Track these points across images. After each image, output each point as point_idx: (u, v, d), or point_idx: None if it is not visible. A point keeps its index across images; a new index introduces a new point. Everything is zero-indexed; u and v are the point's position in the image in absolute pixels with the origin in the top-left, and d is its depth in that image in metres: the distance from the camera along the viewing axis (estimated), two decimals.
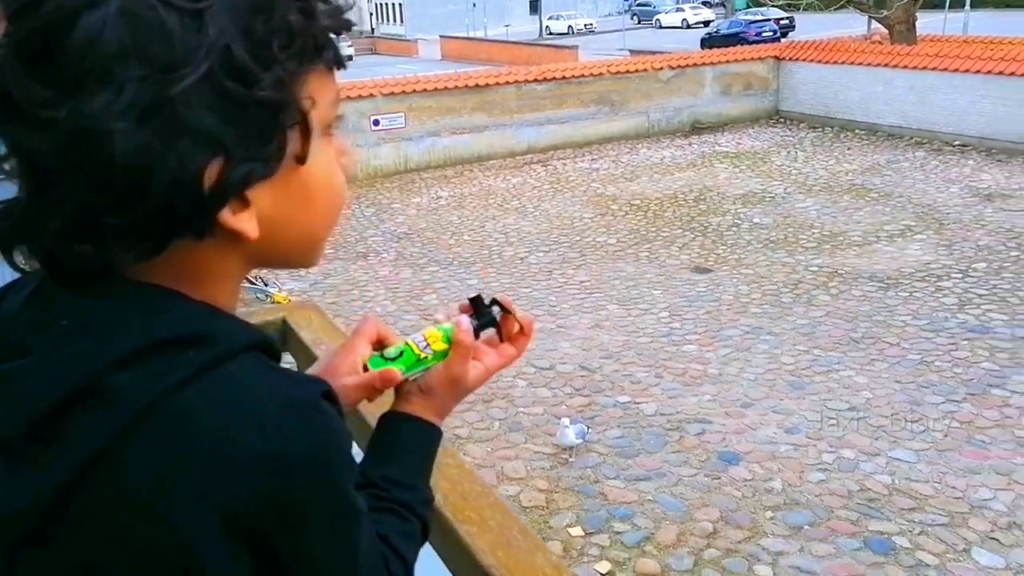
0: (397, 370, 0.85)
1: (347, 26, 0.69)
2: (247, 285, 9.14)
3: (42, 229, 0.62)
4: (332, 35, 0.68)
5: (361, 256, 11.71)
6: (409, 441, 0.87)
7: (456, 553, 0.81)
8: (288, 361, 1.57)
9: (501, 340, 0.93)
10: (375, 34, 61.17)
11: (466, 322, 0.88)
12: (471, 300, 0.91)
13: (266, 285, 9.67)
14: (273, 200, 0.66)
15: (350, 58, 44.68)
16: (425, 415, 0.87)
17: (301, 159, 0.67)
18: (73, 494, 0.61)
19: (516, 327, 0.93)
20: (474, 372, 0.89)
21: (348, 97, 15.49)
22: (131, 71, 0.57)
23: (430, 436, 0.88)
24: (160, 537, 0.61)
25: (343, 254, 11.78)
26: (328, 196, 0.72)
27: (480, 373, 0.90)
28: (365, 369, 0.87)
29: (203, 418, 0.61)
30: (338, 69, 0.69)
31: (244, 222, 0.65)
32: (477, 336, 0.90)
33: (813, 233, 11.83)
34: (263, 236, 0.66)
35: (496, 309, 0.91)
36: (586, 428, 6.60)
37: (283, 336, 1.52)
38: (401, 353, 0.87)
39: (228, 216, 0.64)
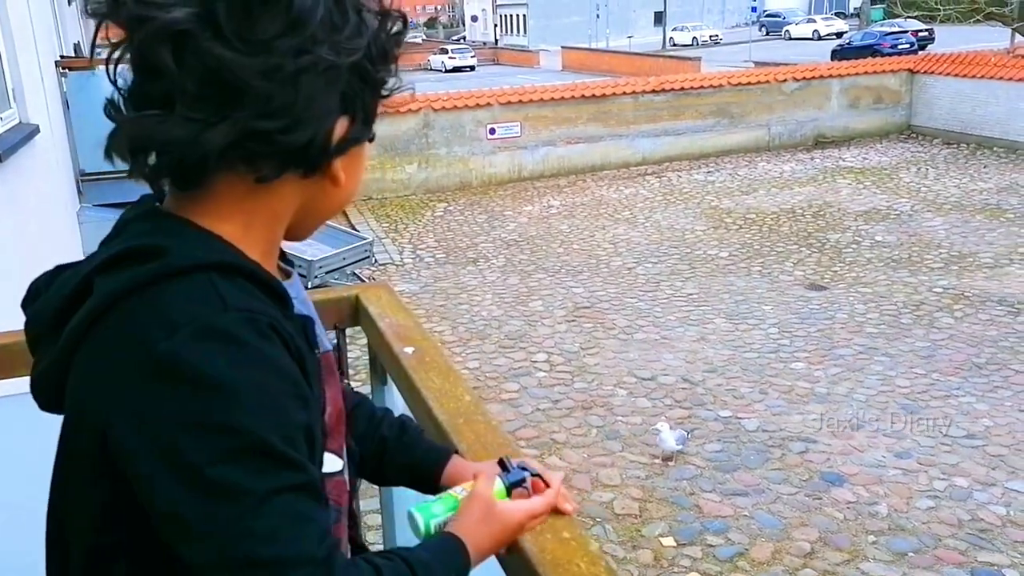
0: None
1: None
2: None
3: (197, 142, 0.76)
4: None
5: (471, 261, 11.93)
6: (432, 544, 0.95)
7: None
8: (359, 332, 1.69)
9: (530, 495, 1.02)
10: (498, 45, 62.11)
11: (492, 467, 1.01)
12: (499, 461, 1.03)
13: None
14: (346, 163, 0.86)
15: (472, 68, 45.45)
16: (452, 529, 0.96)
17: (371, 138, 0.89)
18: (68, 370, 0.80)
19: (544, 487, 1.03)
20: (507, 505, 0.98)
21: (466, 106, 15.85)
22: (327, 36, 0.78)
23: (448, 543, 0.94)
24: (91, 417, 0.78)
25: (454, 259, 12.05)
26: (363, 174, 0.91)
27: (514, 507, 0.98)
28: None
29: (131, 322, 0.76)
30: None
31: (340, 170, 0.85)
32: (509, 493, 1.00)
33: (940, 253, 11.29)
34: (336, 191, 0.87)
35: (526, 473, 1.02)
36: (686, 434, 6.54)
37: (355, 311, 1.65)
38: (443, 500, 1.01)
39: (338, 163, 0.84)
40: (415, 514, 0.97)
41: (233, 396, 0.73)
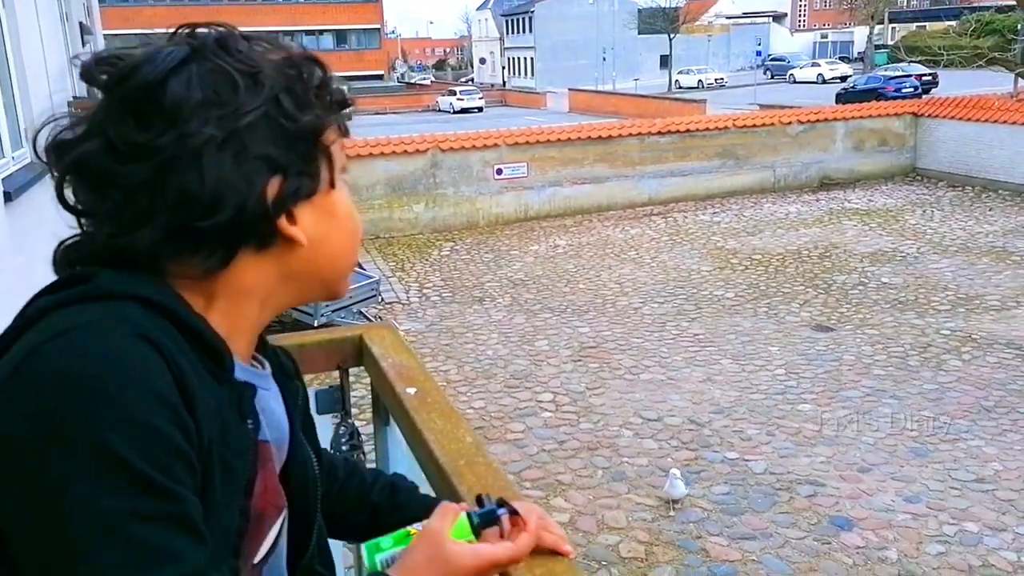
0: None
1: (348, 104, 0.89)
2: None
3: (123, 252, 0.79)
4: (341, 109, 0.88)
5: (477, 300, 11.94)
6: None
7: None
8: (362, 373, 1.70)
9: (502, 537, 0.94)
10: (506, 87, 62.80)
11: (455, 505, 0.93)
12: (476, 497, 0.97)
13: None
14: (313, 217, 0.84)
15: (480, 109, 45.96)
16: (393, 569, 0.90)
17: (332, 183, 0.86)
18: None
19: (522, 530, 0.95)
20: (459, 547, 0.89)
21: (473, 147, 16.00)
22: (214, 112, 0.77)
23: None
24: None
25: (460, 298, 12.06)
26: (351, 221, 0.90)
27: (467, 551, 0.89)
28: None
29: (38, 331, 0.74)
30: (344, 136, 0.89)
31: (296, 230, 0.83)
32: (478, 534, 0.92)
33: (947, 295, 11.27)
34: (307, 249, 0.84)
35: (502, 511, 0.94)
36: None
37: (359, 351, 1.66)
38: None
39: (284, 224, 0.82)
40: (361, 548, 0.94)
41: (101, 404, 0.68)
